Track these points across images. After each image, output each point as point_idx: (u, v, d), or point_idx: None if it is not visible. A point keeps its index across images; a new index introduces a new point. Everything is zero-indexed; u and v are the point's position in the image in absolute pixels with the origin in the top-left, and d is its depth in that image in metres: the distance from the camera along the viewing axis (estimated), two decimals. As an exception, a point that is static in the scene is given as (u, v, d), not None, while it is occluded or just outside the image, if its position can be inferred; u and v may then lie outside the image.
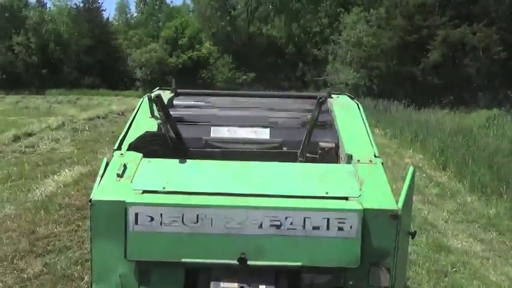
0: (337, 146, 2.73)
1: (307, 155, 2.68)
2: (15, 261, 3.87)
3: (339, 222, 2.02)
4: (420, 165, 8.28)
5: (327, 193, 2.13)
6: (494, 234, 4.91)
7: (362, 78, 23.53)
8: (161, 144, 2.56)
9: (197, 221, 2.03)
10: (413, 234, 2.22)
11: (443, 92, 19.96)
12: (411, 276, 3.77)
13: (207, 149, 2.83)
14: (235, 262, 2.02)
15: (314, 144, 2.68)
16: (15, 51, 31.70)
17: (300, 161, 2.65)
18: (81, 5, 36.72)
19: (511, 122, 12.54)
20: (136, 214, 2.02)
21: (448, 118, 14.49)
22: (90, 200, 2.09)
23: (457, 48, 20.09)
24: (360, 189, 2.15)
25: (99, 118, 13.99)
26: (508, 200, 5.85)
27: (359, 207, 2.04)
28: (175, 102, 3.21)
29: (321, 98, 2.42)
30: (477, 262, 4.17)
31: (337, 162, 2.68)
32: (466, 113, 16.45)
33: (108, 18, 41.47)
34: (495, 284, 3.76)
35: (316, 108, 2.47)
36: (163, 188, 2.14)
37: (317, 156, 2.72)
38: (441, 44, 19.85)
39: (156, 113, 2.55)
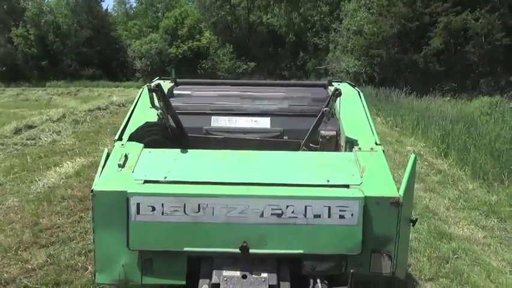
0: (338, 134, 2.72)
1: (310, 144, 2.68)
2: (19, 252, 3.91)
3: (340, 210, 2.02)
4: (422, 152, 8.27)
5: (328, 181, 2.13)
6: (496, 221, 4.92)
7: (363, 66, 23.38)
8: (162, 134, 2.56)
9: (199, 211, 2.03)
10: (414, 222, 2.23)
11: (445, 79, 19.82)
12: (412, 263, 3.79)
13: (208, 137, 2.83)
14: (237, 251, 2.04)
15: (315, 133, 2.68)
16: (15, 43, 31.54)
17: (303, 150, 2.64)
18: (80, -5, 36.44)
19: (513, 109, 12.47)
20: (138, 204, 2.03)
21: (450, 105, 14.41)
22: (92, 191, 2.09)
23: (459, 35, 19.86)
24: (361, 176, 2.15)
25: (99, 109, 14.00)
26: (510, 187, 5.85)
27: (360, 194, 2.04)
28: (175, 92, 3.20)
29: (337, 90, 2.40)
30: (478, 248, 4.19)
31: (338, 150, 2.68)
32: (467, 100, 16.34)
33: (107, 9, 41.34)
34: (496, 269, 3.78)
35: (332, 100, 2.45)
36: (165, 178, 2.14)
37: (318, 146, 2.71)
38: (443, 30, 19.64)
39: (156, 103, 2.55)
